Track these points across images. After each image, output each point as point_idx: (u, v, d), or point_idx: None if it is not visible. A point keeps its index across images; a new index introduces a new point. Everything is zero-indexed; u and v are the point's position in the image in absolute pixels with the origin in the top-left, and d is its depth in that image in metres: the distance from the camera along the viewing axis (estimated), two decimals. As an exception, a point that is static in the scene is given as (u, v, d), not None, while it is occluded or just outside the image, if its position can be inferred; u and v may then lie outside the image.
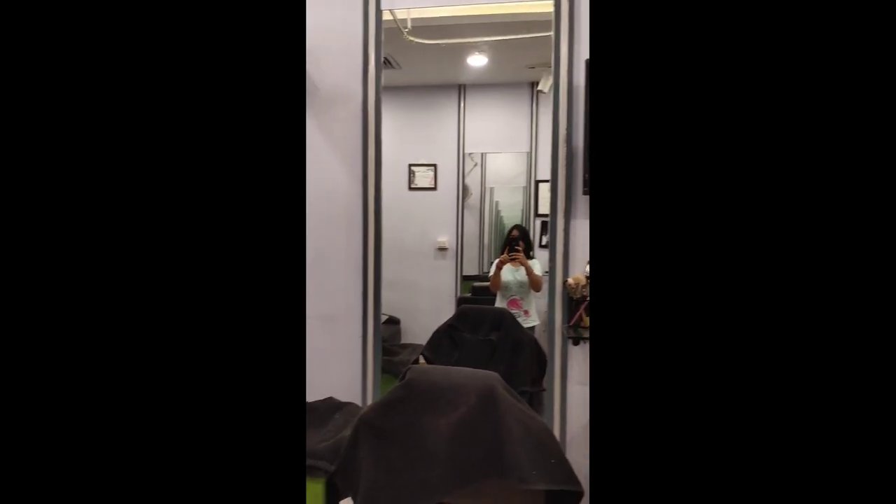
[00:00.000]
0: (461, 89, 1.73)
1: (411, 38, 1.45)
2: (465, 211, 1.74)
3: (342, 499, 1.03)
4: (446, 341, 1.47)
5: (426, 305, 1.79)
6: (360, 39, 1.36)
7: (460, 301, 1.73)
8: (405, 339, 1.73)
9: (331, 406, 1.27)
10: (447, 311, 1.65)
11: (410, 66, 1.64)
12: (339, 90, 1.38)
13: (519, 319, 1.52)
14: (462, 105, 1.74)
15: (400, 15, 1.40)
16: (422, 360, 1.48)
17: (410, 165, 1.75)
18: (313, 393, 1.38)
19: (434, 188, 1.76)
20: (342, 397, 1.35)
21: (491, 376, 0.96)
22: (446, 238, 1.74)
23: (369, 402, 1.37)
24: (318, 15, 1.32)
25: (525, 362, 1.41)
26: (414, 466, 0.95)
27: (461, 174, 1.75)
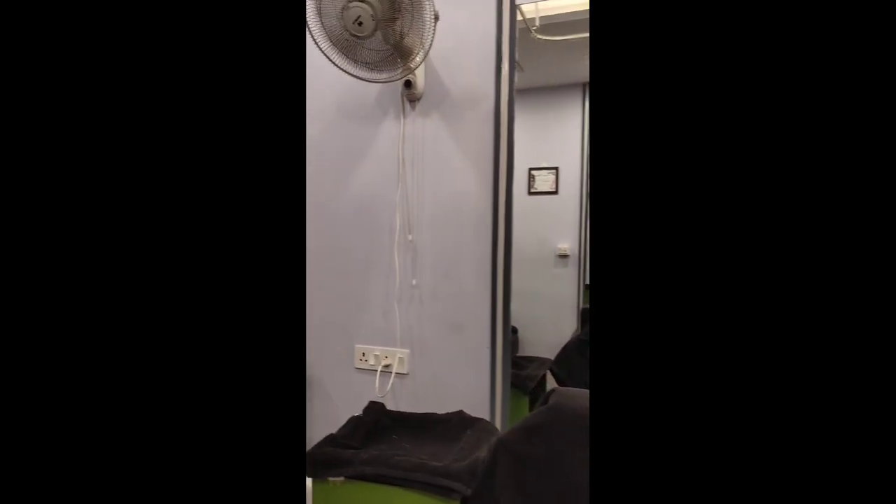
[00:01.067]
0: (585, 88, 1.63)
1: (539, 37, 1.38)
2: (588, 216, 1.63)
3: (479, 523, 0.98)
4: (577, 358, 1.37)
5: (546, 315, 1.70)
6: (493, 40, 1.32)
7: (584, 313, 1.62)
8: (524, 351, 1.66)
9: (462, 421, 1.23)
10: (569, 323, 1.55)
11: (533, 67, 1.57)
12: (469, 93, 1.35)
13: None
14: (586, 104, 1.64)
15: (528, 14, 1.34)
16: (549, 376, 1.40)
17: (530, 169, 1.68)
18: (443, 404, 1.36)
19: (555, 192, 1.67)
20: (470, 410, 1.31)
21: (651, 407, 0.85)
22: (567, 245, 1.65)
23: (498, 417, 1.31)
24: (448, 16, 1.30)
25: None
26: (558, 499, 0.87)
27: (584, 177, 1.64)
